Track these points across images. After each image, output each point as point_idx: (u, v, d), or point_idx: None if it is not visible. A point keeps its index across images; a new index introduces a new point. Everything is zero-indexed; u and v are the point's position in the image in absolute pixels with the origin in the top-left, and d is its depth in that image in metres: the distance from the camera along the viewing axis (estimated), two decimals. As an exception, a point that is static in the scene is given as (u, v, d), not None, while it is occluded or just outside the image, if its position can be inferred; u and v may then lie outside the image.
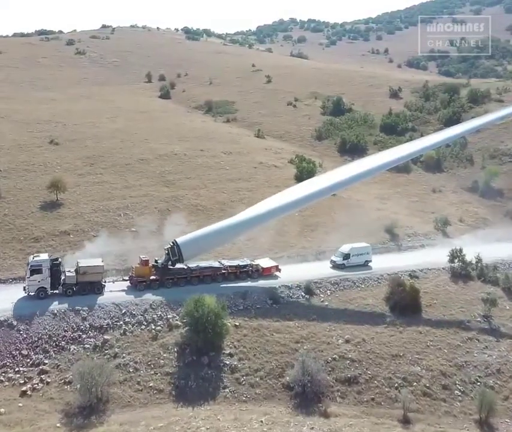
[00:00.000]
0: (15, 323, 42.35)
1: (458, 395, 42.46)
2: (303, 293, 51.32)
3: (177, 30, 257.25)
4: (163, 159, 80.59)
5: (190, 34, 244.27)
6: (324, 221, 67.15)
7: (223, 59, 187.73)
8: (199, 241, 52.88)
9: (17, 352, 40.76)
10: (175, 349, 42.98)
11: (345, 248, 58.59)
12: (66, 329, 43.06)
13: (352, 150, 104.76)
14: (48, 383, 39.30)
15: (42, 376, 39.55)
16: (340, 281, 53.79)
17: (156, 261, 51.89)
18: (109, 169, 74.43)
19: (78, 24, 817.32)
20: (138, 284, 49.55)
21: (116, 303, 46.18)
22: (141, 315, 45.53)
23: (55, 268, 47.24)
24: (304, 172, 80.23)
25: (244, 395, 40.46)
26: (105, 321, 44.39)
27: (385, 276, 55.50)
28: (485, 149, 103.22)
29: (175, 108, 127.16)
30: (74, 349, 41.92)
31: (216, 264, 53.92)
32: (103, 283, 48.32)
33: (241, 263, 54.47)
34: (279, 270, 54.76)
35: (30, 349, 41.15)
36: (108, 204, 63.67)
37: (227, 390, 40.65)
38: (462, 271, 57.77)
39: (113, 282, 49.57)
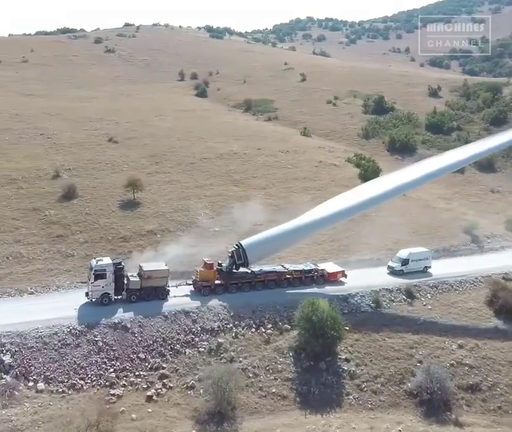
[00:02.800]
0: (129, 325, 41.14)
1: None
2: (404, 297, 49.93)
3: (199, 28, 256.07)
4: (225, 159, 79.37)
5: (214, 33, 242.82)
6: (402, 222, 65.40)
7: (251, 57, 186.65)
8: (265, 243, 50.20)
9: (135, 355, 39.56)
10: (291, 353, 41.80)
11: (403, 253, 55.33)
12: (178, 331, 41.86)
13: (402, 149, 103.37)
14: (171, 387, 38.13)
15: (164, 381, 38.40)
16: (439, 284, 52.32)
17: (219, 264, 49.37)
18: (176, 168, 73.26)
19: (100, 23, 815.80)
20: (203, 288, 46.94)
21: (224, 305, 44.90)
22: (250, 317, 44.24)
23: (119, 273, 44.58)
24: (370, 171, 79.01)
25: (369, 403, 39.27)
26: (215, 323, 43.17)
27: (480, 279, 54.10)
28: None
29: (214, 107, 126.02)
30: (189, 353, 40.74)
31: (279, 268, 51.13)
32: (167, 288, 45.93)
33: (306, 268, 51.63)
34: (345, 275, 52.09)
35: (147, 352, 39.93)
36: (186, 204, 62.46)
37: (351, 397, 39.47)
38: (557, 274, 56.18)
39: (176, 286, 46.79)
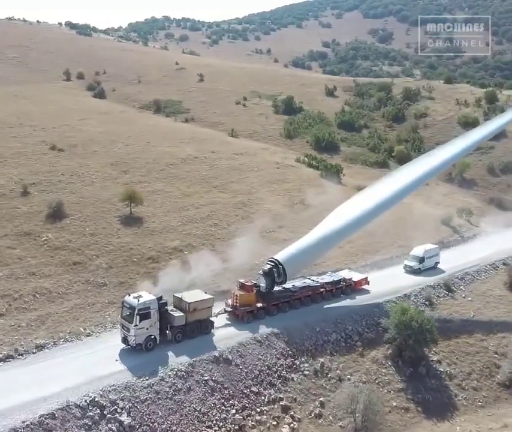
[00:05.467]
0: (230, 356, 36.29)
1: None
2: (446, 292, 51.07)
3: (60, 24, 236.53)
4: (189, 164, 74.29)
5: (77, 29, 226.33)
6: (393, 219, 66.22)
7: (134, 56, 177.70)
8: (301, 256, 45.86)
9: (248, 390, 35.04)
10: (389, 363, 40.42)
11: (419, 251, 56.17)
12: (277, 356, 38.03)
13: (328, 147, 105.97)
14: (299, 419, 34.52)
15: (290, 413, 34.57)
16: (465, 276, 54.51)
17: (255, 285, 44.02)
18: (148, 176, 66.63)
19: None
20: (246, 315, 41.53)
21: (306, 321, 41.81)
22: (335, 331, 41.83)
23: (163, 309, 37.64)
24: (333, 170, 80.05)
25: (477, 400, 39.76)
26: (306, 342, 40.02)
27: (489, 267, 57.44)
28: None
29: (124, 108, 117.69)
30: (297, 378, 37.27)
31: (310, 282, 47.33)
32: (211, 320, 39.94)
33: (335, 279, 48.63)
34: (368, 283, 50.20)
35: (257, 384, 35.62)
36: (189, 215, 57.11)
37: (460, 397, 39.53)
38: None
39: (216, 316, 40.66)
